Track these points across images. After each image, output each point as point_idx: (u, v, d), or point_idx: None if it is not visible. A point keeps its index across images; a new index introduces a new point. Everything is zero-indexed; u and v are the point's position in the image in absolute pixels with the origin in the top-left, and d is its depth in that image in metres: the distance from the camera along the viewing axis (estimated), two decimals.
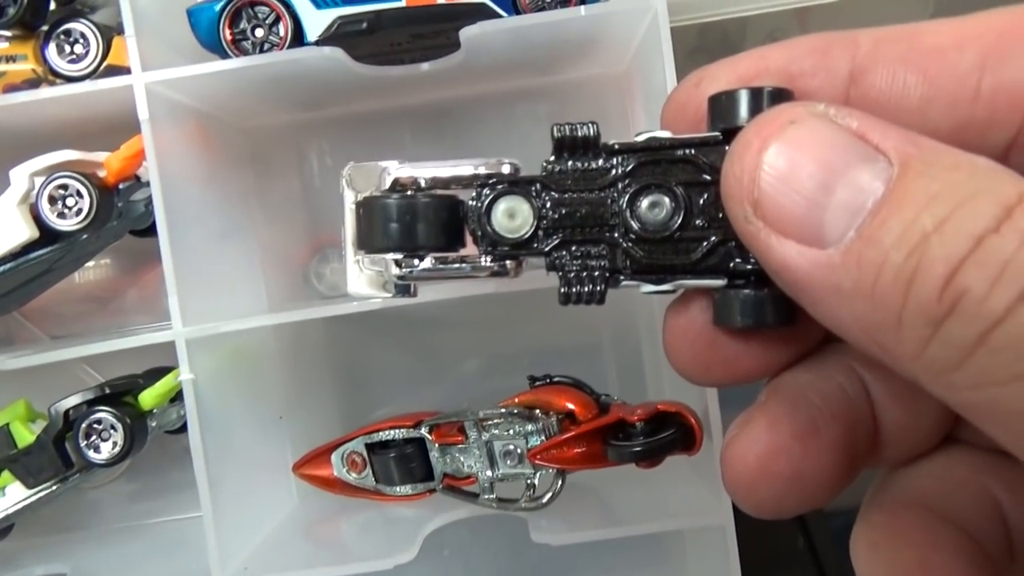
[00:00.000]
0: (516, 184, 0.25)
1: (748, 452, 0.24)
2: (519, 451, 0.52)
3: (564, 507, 0.51)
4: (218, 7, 0.50)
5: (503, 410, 0.52)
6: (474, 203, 0.26)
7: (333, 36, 0.50)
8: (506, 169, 0.25)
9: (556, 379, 0.56)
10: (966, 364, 0.16)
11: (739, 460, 0.24)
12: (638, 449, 0.47)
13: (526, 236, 0.25)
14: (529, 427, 0.52)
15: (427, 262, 0.26)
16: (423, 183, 0.26)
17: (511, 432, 0.52)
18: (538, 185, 0.25)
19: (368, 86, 0.56)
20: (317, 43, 0.50)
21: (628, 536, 0.50)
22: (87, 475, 0.54)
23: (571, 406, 0.52)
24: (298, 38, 0.50)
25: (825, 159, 0.19)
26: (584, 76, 0.63)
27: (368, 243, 0.26)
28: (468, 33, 0.48)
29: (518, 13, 0.50)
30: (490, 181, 0.25)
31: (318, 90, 0.57)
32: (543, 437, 0.51)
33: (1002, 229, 0.16)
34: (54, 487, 0.53)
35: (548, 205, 0.25)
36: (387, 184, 0.27)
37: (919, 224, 0.17)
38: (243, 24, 0.50)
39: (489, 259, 0.25)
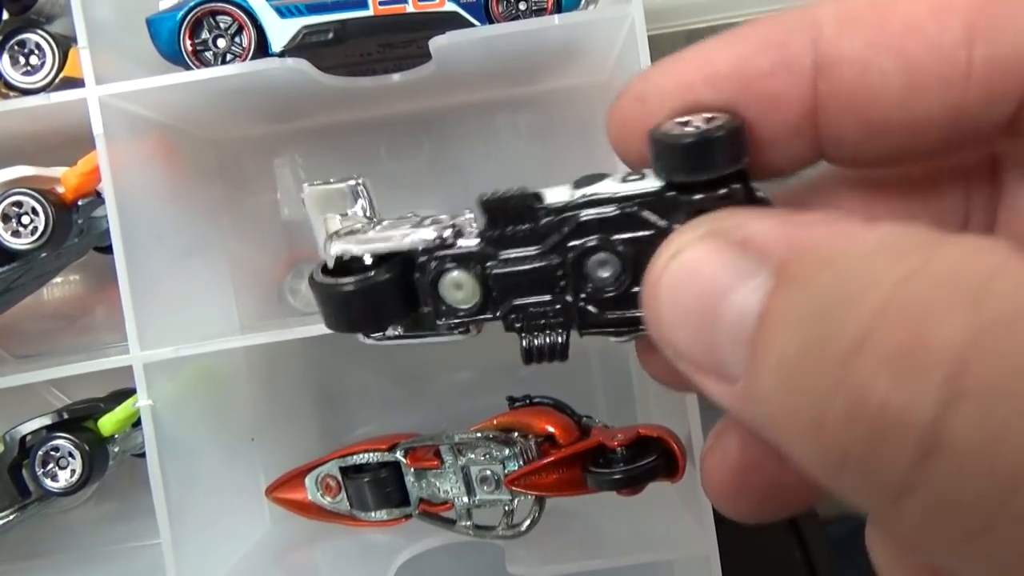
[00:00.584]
0: (457, 259, 0.23)
1: (723, 466, 0.22)
2: (496, 476, 0.50)
3: (543, 535, 0.49)
4: (179, 16, 0.48)
5: (479, 434, 0.50)
6: (420, 277, 0.24)
7: (299, 46, 0.48)
8: (447, 233, 0.23)
9: (536, 400, 0.54)
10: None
11: (715, 474, 0.23)
12: (618, 477, 0.45)
13: (476, 306, 0.24)
14: (506, 451, 0.50)
15: (392, 331, 0.25)
16: (367, 259, 0.24)
17: (488, 457, 0.50)
18: (477, 256, 0.23)
19: (339, 97, 0.54)
20: (282, 54, 0.49)
21: (593, 569, 0.48)
22: (46, 503, 0.52)
23: (551, 429, 0.50)
24: (262, 48, 0.48)
25: (704, 288, 0.17)
26: (566, 85, 0.61)
27: (331, 324, 0.25)
28: (437, 43, 0.46)
29: (491, 22, 0.48)
30: (433, 254, 0.24)
31: (286, 102, 0.55)
32: (521, 462, 0.49)
33: (861, 354, 0.13)
34: (11, 516, 0.51)
35: (493, 274, 0.23)
36: (330, 262, 0.25)
37: (784, 353, 0.15)
38: (204, 34, 0.48)
39: (447, 327, 0.24)
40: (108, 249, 0.58)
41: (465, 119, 0.61)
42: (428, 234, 0.24)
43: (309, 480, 0.56)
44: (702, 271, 0.17)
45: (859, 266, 0.14)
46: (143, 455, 0.57)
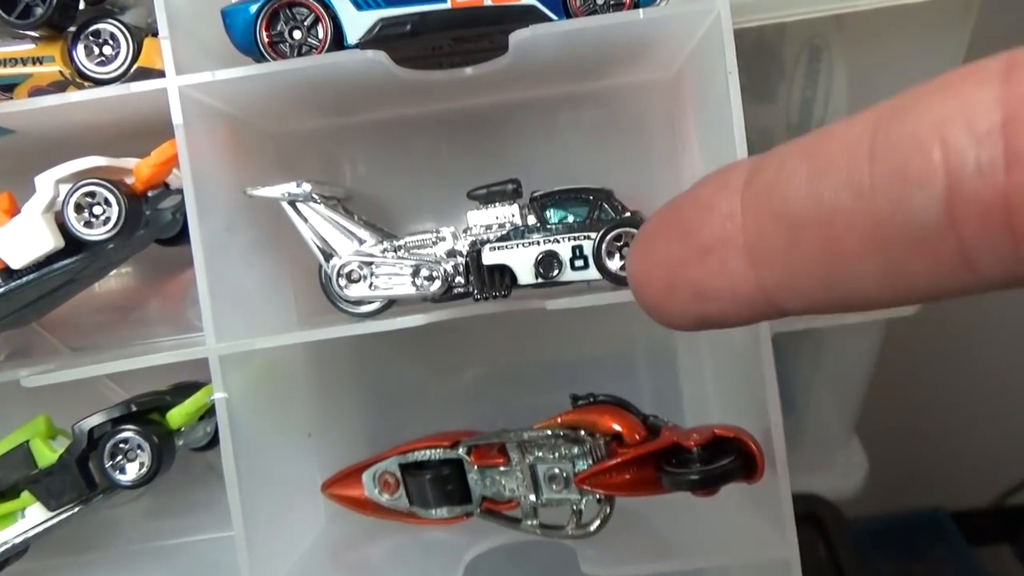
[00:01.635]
0: None
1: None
2: (565, 475, 0.49)
3: (611, 535, 0.48)
4: (254, 8, 0.47)
5: (548, 432, 0.50)
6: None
7: (374, 39, 0.48)
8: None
9: (600, 398, 0.53)
10: None
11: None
12: (696, 477, 0.44)
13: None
14: (575, 450, 0.49)
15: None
16: None
17: (556, 455, 0.49)
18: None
19: (405, 91, 0.54)
20: (357, 46, 0.48)
21: (670, 571, 0.47)
22: (110, 496, 0.51)
23: (618, 428, 0.49)
24: (337, 41, 0.48)
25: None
26: (628, 82, 0.60)
27: None
28: (518, 37, 0.45)
29: (568, 15, 0.48)
30: None
31: (354, 95, 0.54)
32: (590, 461, 0.48)
33: None
34: (76, 509, 0.50)
35: None
36: None
37: None
38: (280, 26, 0.48)
39: None
40: (168, 241, 0.58)
41: (528, 114, 0.61)
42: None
43: (367, 476, 0.55)
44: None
45: None
46: (201, 449, 0.57)
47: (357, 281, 0.51)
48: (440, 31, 0.48)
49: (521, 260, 0.50)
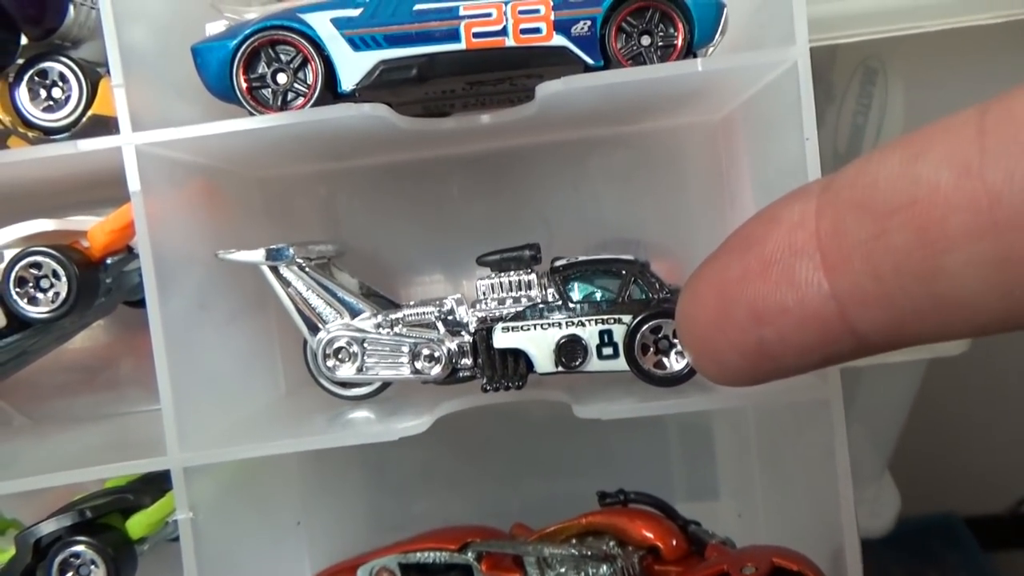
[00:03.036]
0: None
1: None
2: None
3: None
4: (232, 46, 0.39)
5: (573, 551, 0.43)
6: None
7: (374, 84, 0.40)
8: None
9: (632, 497, 0.46)
10: None
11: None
12: None
13: None
14: (604, 568, 0.42)
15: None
16: None
17: (583, 575, 0.42)
18: None
19: (411, 138, 0.46)
20: (354, 92, 0.40)
21: None
22: None
23: (653, 538, 0.42)
24: (329, 85, 0.40)
25: None
26: (669, 125, 0.52)
27: None
28: (548, 90, 0.37)
29: (605, 59, 0.40)
30: None
31: (351, 144, 0.47)
32: None
33: None
34: None
35: None
36: None
37: None
38: (261, 68, 0.40)
39: None
40: (138, 303, 0.50)
41: (549, 159, 0.53)
42: None
43: (362, 572, 0.49)
44: None
45: None
46: (176, 539, 0.50)
47: (346, 361, 0.43)
48: (452, 76, 0.40)
49: (539, 345, 0.42)
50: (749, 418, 0.54)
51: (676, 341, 0.42)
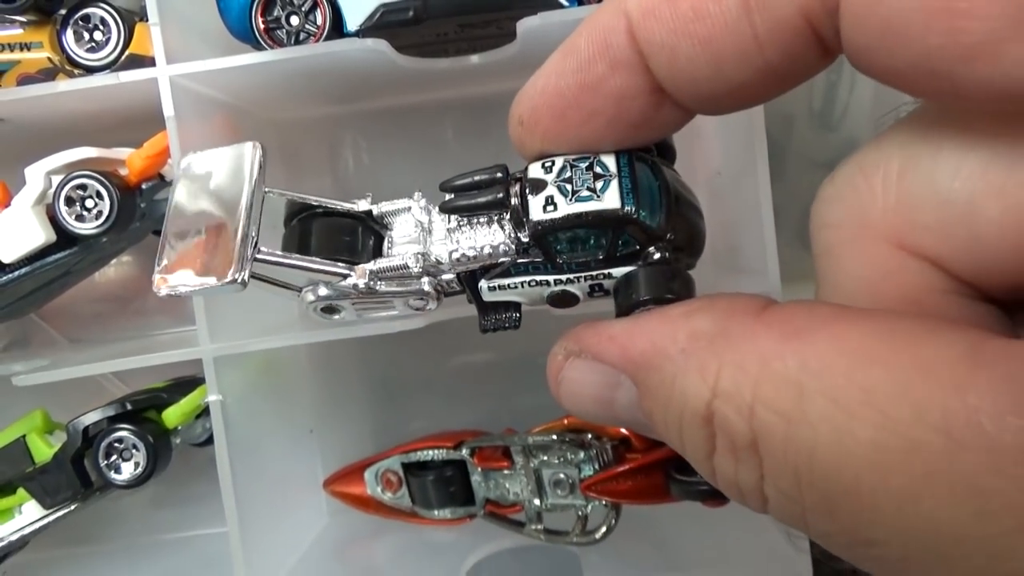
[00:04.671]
0: None
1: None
2: (571, 481, 0.48)
3: (617, 541, 0.47)
4: None
5: (554, 437, 0.48)
6: None
7: (375, 25, 0.46)
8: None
9: None
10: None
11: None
12: (706, 487, 0.43)
13: None
14: (581, 455, 0.48)
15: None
16: None
17: (562, 460, 0.48)
18: None
19: (409, 79, 0.52)
20: (357, 33, 0.46)
21: None
22: (107, 493, 0.50)
23: (625, 431, 0.48)
24: (336, 27, 0.46)
25: (595, 399, 0.24)
26: None
27: None
28: (527, 24, 0.43)
29: (579, 2, 0.45)
30: None
31: (355, 83, 0.52)
32: (597, 466, 0.47)
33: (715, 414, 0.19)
34: (72, 507, 0.50)
35: None
36: None
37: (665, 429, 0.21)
38: (277, 12, 0.46)
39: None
40: None
41: None
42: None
43: (369, 474, 0.54)
44: (586, 390, 0.24)
45: (677, 376, 0.20)
46: (201, 444, 0.56)
47: (337, 312, 0.48)
48: (444, 18, 0.46)
49: (530, 296, 0.46)
50: None
51: None
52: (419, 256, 0.32)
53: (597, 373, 0.24)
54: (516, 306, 0.42)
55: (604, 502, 0.47)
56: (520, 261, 0.34)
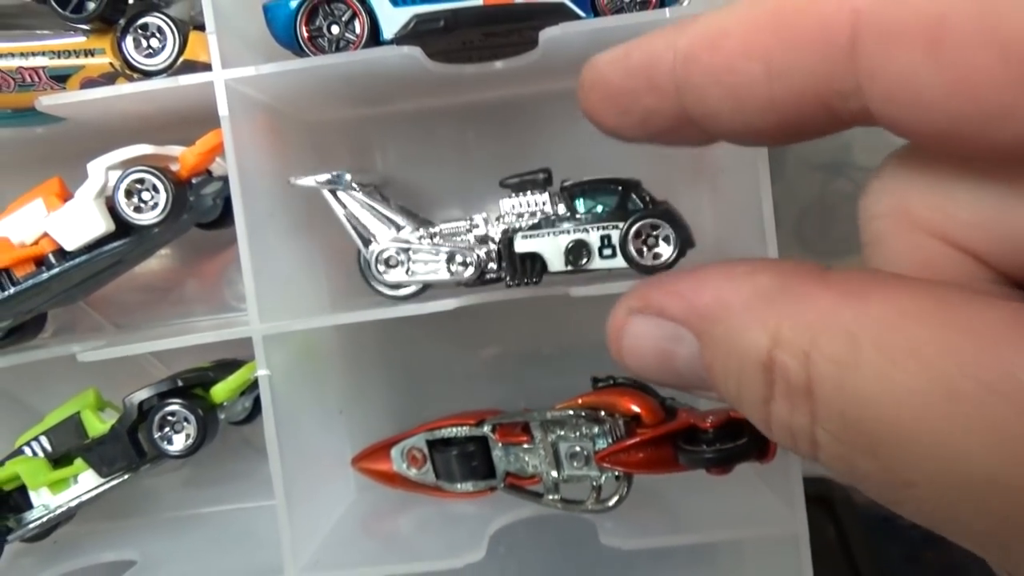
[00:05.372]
0: None
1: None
2: (586, 453, 0.52)
3: (628, 510, 0.50)
4: (295, 4, 0.50)
5: (571, 412, 0.52)
6: None
7: (409, 34, 0.50)
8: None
9: (619, 381, 0.56)
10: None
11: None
12: (711, 456, 0.47)
13: None
14: (596, 429, 0.51)
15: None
16: None
17: (578, 434, 0.52)
18: None
19: (436, 83, 0.56)
20: (392, 41, 0.50)
21: (685, 544, 0.50)
22: (156, 465, 0.54)
23: (636, 409, 0.51)
24: (373, 36, 0.50)
25: (657, 355, 0.25)
26: None
27: None
28: (548, 34, 0.47)
29: (596, 13, 0.50)
30: None
31: (386, 87, 0.57)
32: (610, 439, 0.51)
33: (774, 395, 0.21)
34: (125, 476, 0.54)
35: None
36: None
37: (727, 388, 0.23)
38: (319, 21, 0.50)
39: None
40: (208, 225, 0.61)
41: (553, 105, 0.63)
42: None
43: (395, 452, 0.58)
44: (648, 343, 0.25)
45: (737, 331, 0.22)
46: (238, 423, 0.60)
47: (395, 266, 0.53)
48: (472, 27, 0.50)
49: (552, 248, 0.52)
50: None
51: (663, 239, 0.51)
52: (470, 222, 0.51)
53: (660, 328, 0.25)
54: (539, 266, 0.50)
55: (617, 472, 0.51)
56: (549, 218, 0.51)
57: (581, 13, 0.49)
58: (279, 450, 0.48)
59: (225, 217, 0.61)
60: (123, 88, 0.49)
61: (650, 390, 0.55)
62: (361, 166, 0.64)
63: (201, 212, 0.57)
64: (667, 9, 0.47)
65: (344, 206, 0.54)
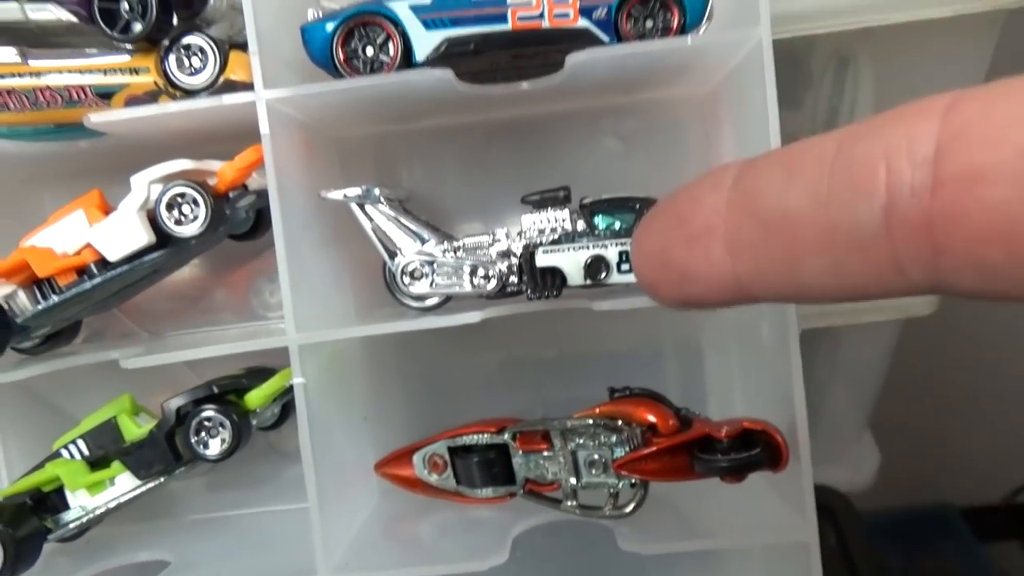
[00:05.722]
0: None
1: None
2: (604, 461, 0.54)
3: (645, 516, 0.52)
4: (331, 27, 0.52)
5: (589, 421, 0.54)
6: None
7: (441, 56, 0.52)
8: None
9: (636, 391, 0.58)
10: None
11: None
12: (726, 465, 0.48)
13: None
14: (614, 438, 0.53)
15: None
16: None
17: (596, 443, 0.54)
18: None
19: (463, 102, 0.58)
20: (425, 63, 0.52)
21: (698, 550, 0.52)
22: (191, 468, 0.56)
23: (652, 419, 0.53)
24: (406, 58, 0.52)
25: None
26: (668, 95, 0.64)
27: None
28: (575, 59, 0.50)
29: (619, 38, 0.52)
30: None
31: (415, 105, 0.59)
32: (628, 448, 0.53)
33: None
34: (161, 479, 0.56)
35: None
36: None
37: None
38: (355, 43, 0.52)
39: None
40: (240, 236, 0.63)
41: (572, 124, 0.65)
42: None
43: (417, 458, 0.60)
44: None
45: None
46: (266, 428, 0.62)
47: (419, 279, 0.55)
48: (501, 50, 0.53)
49: (571, 263, 0.54)
50: (729, 336, 0.65)
51: None
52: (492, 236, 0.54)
53: None
54: (559, 280, 0.53)
55: (634, 480, 0.53)
56: (569, 233, 0.54)
57: (605, 38, 0.52)
58: (312, 456, 0.50)
59: (256, 228, 0.64)
60: (168, 106, 0.51)
61: (665, 400, 0.57)
62: (387, 180, 0.66)
63: (235, 224, 0.59)
64: (688, 37, 0.49)
65: (371, 219, 0.56)
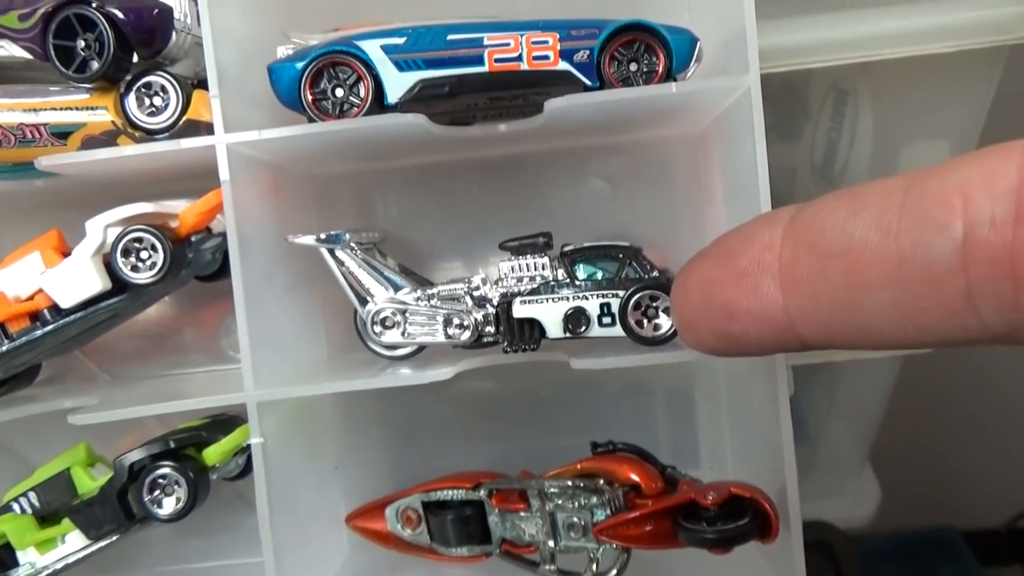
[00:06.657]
0: None
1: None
2: (583, 524, 0.51)
3: None
4: (300, 66, 0.49)
5: (569, 482, 0.51)
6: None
7: (414, 99, 0.50)
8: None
9: (619, 447, 0.55)
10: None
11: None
12: (712, 536, 0.46)
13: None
14: (594, 500, 0.51)
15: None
16: None
17: (576, 504, 0.51)
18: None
19: (440, 143, 0.56)
20: (397, 105, 0.50)
21: None
22: (146, 525, 0.53)
23: (636, 478, 0.51)
24: (378, 99, 0.50)
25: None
26: (655, 136, 0.62)
27: None
28: (554, 105, 0.47)
29: (600, 81, 0.49)
30: None
31: (391, 146, 0.56)
32: (609, 511, 0.50)
33: None
34: (114, 538, 0.53)
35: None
36: None
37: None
38: (324, 84, 0.50)
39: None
40: (206, 277, 0.60)
41: (557, 164, 0.63)
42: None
43: (390, 511, 0.57)
44: None
45: None
46: (232, 479, 0.59)
47: (391, 327, 0.53)
48: (477, 93, 0.50)
49: (550, 315, 0.52)
50: (720, 387, 0.63)
51: (662, 310, 0.51)
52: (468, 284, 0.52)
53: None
54: (537, 332, 0.50)
55: (615, 545, 0.50)
56: (548, 283, 0.52)
57: (587, 81, 0.49)
58: (269, 511, 0.47)
59: (224, 269, 0.61)
60: (125, 150, 0.48)
61: (650, 458, 0.54)
62: (362, 219, 0.64)
63: (200, 266, 0.56)
64: (674, 85, 0.46)
65: (342, 263, 0.53)
